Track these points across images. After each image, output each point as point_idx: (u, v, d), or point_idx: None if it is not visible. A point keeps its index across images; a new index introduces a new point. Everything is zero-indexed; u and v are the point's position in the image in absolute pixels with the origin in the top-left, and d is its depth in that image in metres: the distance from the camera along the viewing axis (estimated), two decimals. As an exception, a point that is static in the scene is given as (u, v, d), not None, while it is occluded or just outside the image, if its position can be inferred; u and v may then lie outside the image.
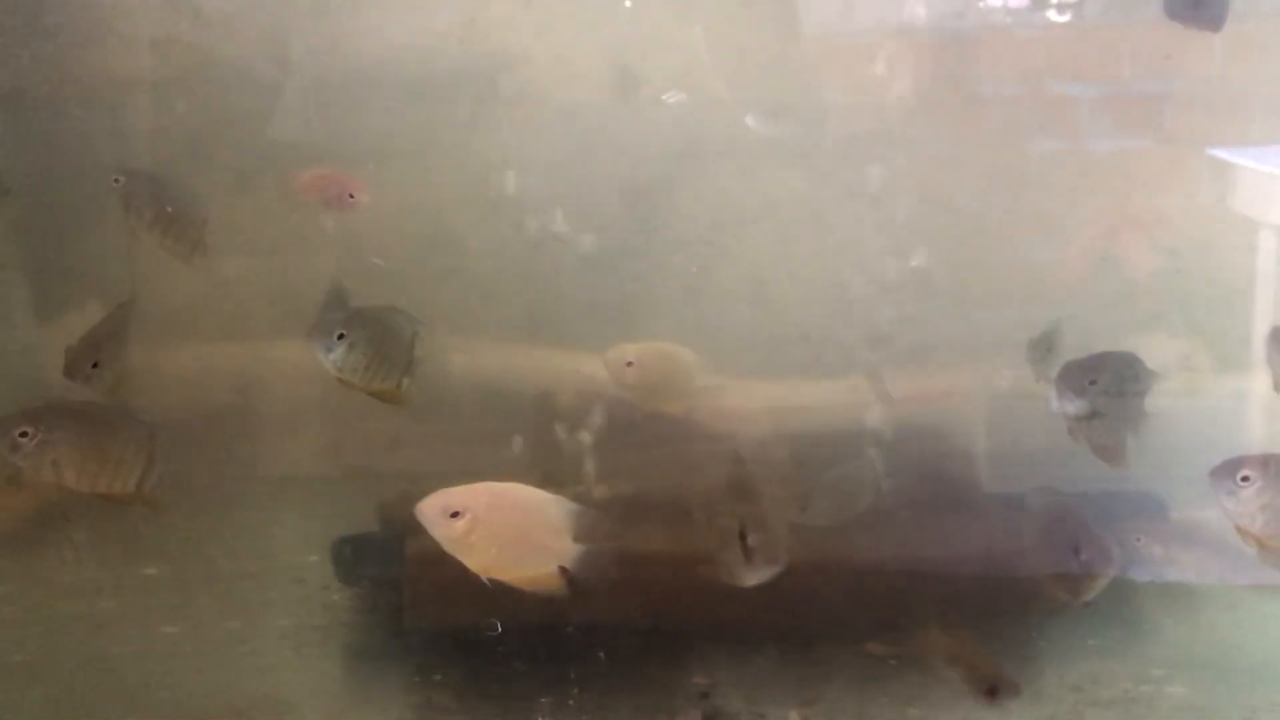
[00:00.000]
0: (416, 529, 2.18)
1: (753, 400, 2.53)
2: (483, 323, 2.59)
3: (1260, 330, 2.39)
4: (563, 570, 1.64)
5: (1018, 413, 2.45)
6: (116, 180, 2.07)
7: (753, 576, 1.84)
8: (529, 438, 2.46)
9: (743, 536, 1.84)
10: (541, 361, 2.54)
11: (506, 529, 1.63)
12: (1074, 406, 1.82)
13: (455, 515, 1.62)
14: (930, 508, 2.25)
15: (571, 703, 2.00)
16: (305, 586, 2.31)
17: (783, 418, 2.51)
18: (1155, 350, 2.54)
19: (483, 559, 1.64)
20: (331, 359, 1.81)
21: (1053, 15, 2.45)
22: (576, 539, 1.64)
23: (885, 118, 2.55)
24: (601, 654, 2.04)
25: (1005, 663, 2.07)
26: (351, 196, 2.31)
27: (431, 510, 1.63)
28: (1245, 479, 1.58)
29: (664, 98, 2.45)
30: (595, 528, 1.65)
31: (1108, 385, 1.88)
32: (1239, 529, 1.60)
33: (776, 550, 1.86)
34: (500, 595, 2.04)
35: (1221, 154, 2.39)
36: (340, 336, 1.81)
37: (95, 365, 1.95)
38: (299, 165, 2.45)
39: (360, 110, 2.47)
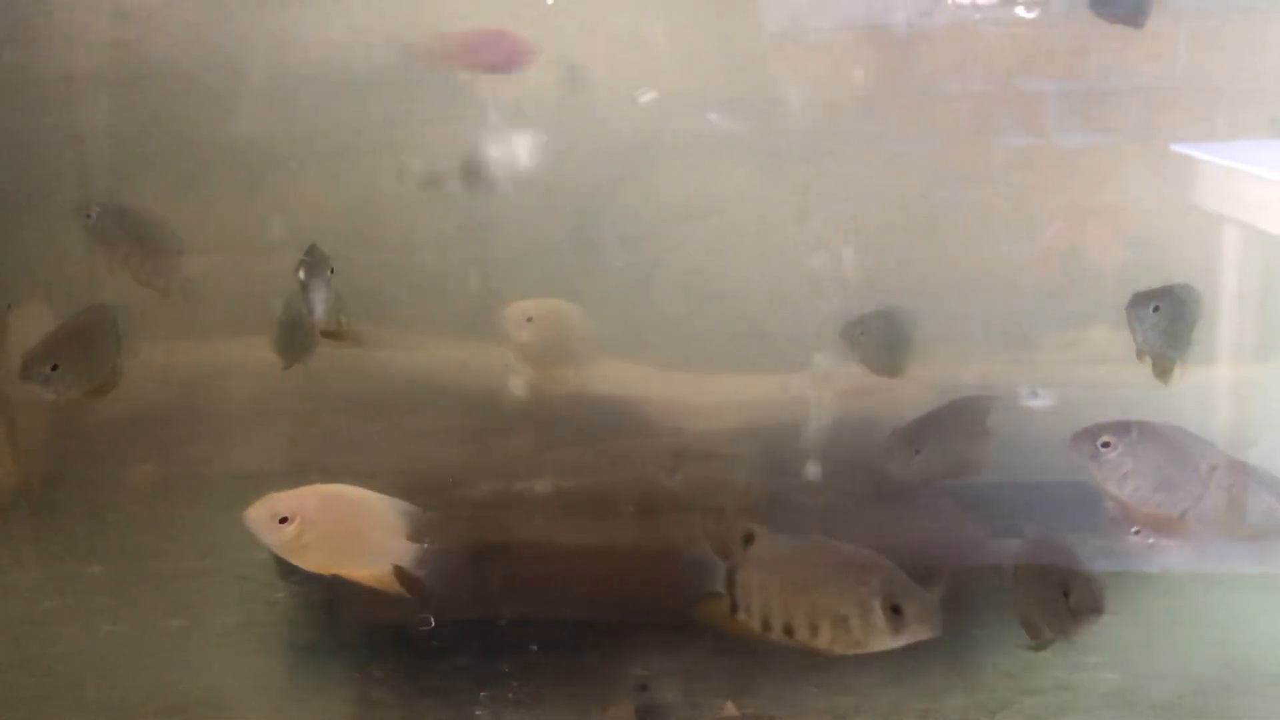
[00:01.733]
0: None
1: (702, 395, 2.55)
2: (428, 319, 2.60)
3: (1225, 322, 2.43)
4: (398, 570, 1.66)
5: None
6: (88, 215, 2.08)
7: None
8: (474, 434, 2.48)
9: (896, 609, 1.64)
10: (486, 358, 2.55)
11: (337, 530, 1.66)
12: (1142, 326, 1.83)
13: (284, 520, 1.65)
14: (869, 500, 2.28)
15: (510, 695, 2.02)
16: (250, 584, 2.32)
17: (731, 413, 2.53)
18: (1100, 342, 2.60)
19: (315, 560, 1.69)
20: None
21: (1020, 11, 2.46)
22: (411, 538, 1.67)
23: (841, 114, 2.58)
24: (536, 648, 2.06)
25: (940, 651, 2.10)
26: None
27: (259, 516, 1.66)
28: (1106, 444, 1.59)
29: (637, 96, 2.47)
30: (431, 527, 1.67)
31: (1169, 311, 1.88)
32: (1109, 495, 1.63)
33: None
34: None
35: (1185, 149, 2.42)
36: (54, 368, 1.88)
37: (55, 368, 1.94)
38: (244, 162, 2.47)
39: (301, 107, 2.47)
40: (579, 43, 2.50)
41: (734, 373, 2.59)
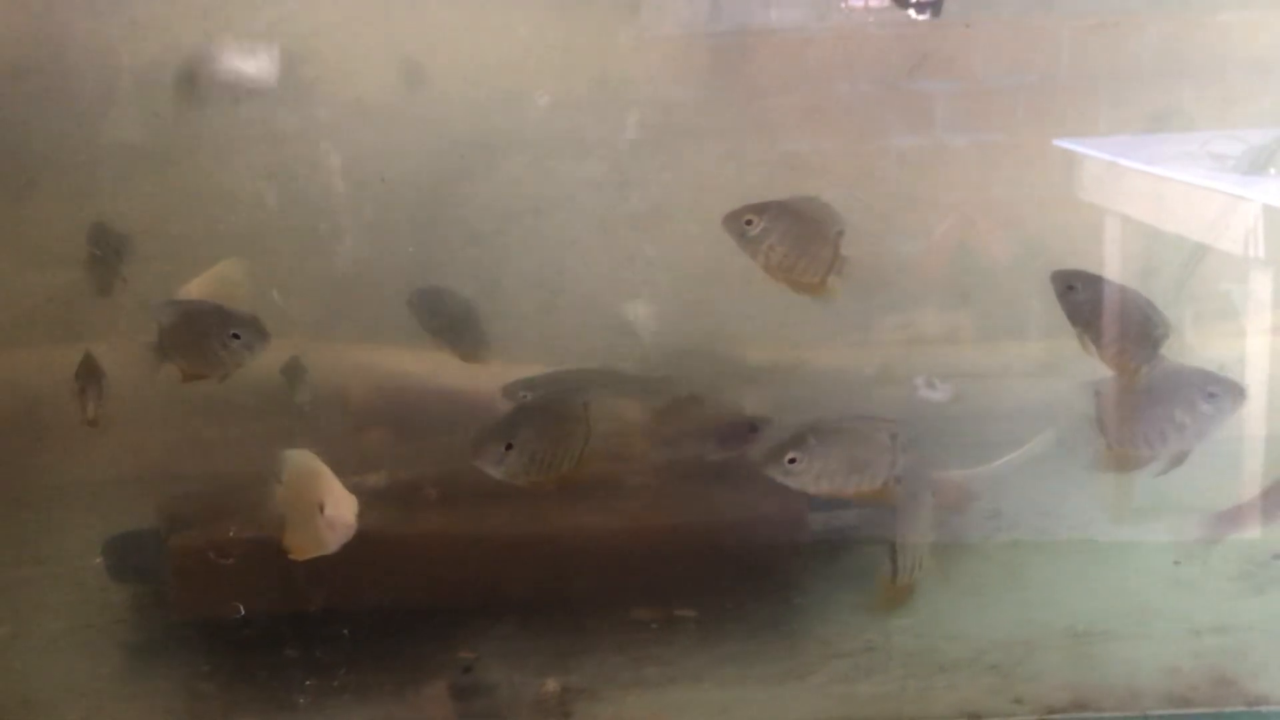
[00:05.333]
0: (183, 523, 2.22)
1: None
2: (274, 321, 2.61)
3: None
4: None
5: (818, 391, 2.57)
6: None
7: None
8: (323, 434, 2.50)
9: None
10: (333, 357, 2.57)
11: None
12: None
13: None
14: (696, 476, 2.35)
15: (336, 684, 2.05)
16: (84, 589, 2.31)
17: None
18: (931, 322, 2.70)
19: None
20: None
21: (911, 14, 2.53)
22: None
23: (708, 112, 2.64)
24: (363, 635, 2.09)
25: (760, 620, 2.18)
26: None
27: None
28: (792, 460, 1.80)
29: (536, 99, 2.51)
30: None
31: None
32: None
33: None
34: (263, 583, 2.09)
35: (1067, 144, 2.51)
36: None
37: None
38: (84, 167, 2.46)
39: (140, 113, 2.47)
40: (419, 40, 2.54)
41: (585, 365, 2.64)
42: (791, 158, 2.69)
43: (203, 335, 1.89)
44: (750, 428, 2.22)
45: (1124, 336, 1.85)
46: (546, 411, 1.88)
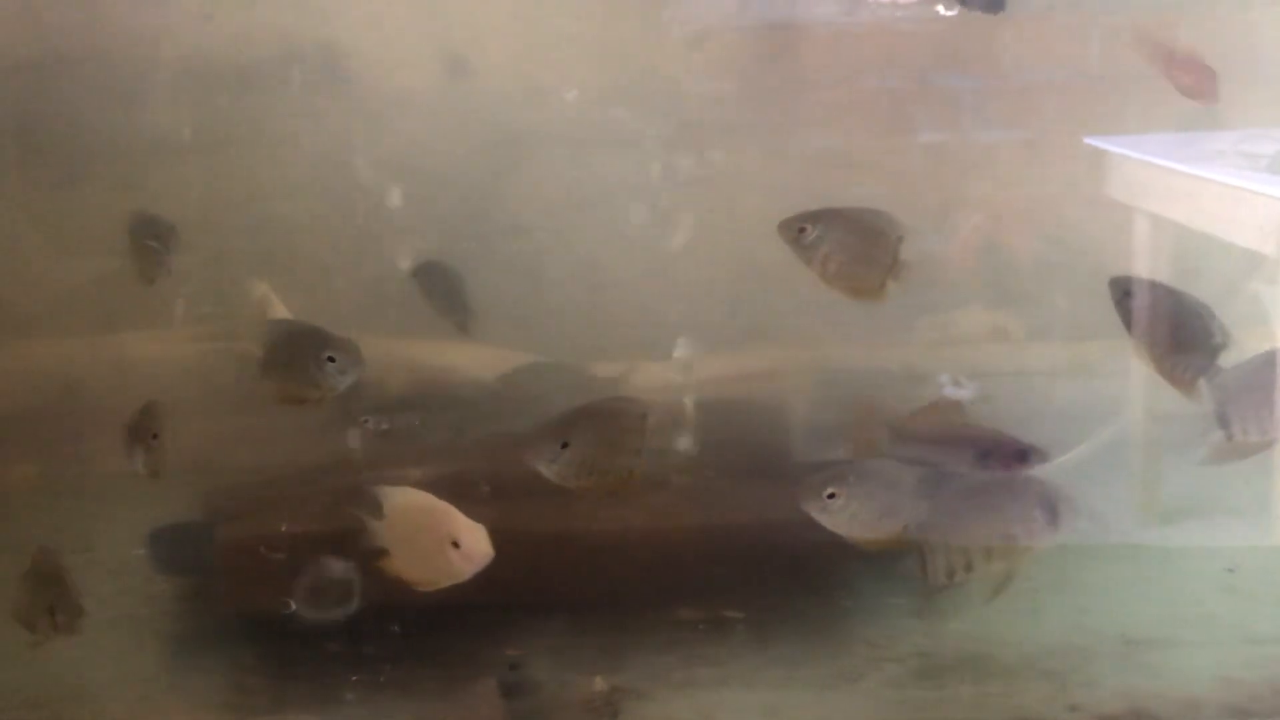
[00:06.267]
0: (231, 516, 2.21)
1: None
2: (315, 314, 2.60)
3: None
4: None
5: (845, 390, 2.55)
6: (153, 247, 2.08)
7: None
8: (364, 427, 2.49)
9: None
10: (376, 351, 2.56)
11: None
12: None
13: None
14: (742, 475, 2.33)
15: (382, 679, 2.04)
16: (127, 579, 2.31)
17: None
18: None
19: None
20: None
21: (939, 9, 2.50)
22: None
23: (743, 107, 2.62)
24: (410, 631, 2.07)
25: (809, 621, 2.16)
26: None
27: None
28: (831, 496, 1.74)
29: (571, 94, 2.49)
30: None
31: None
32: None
33: None
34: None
35: (1097, 143, 2.48)
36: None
37: None
38: (129, 157, 2.46)
39: (187, 100, 2.47)
40: (463, 34, 2.53)
41: (624, 360, 2.63)
42: (833, 154, 2.67)
43: (299, 356, 1.84)
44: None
45: (1180, 345, 1.80)
46: (606, 415, 1.84)
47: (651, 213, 2.61)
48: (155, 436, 1.91)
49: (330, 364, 1.81)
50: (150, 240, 2.07)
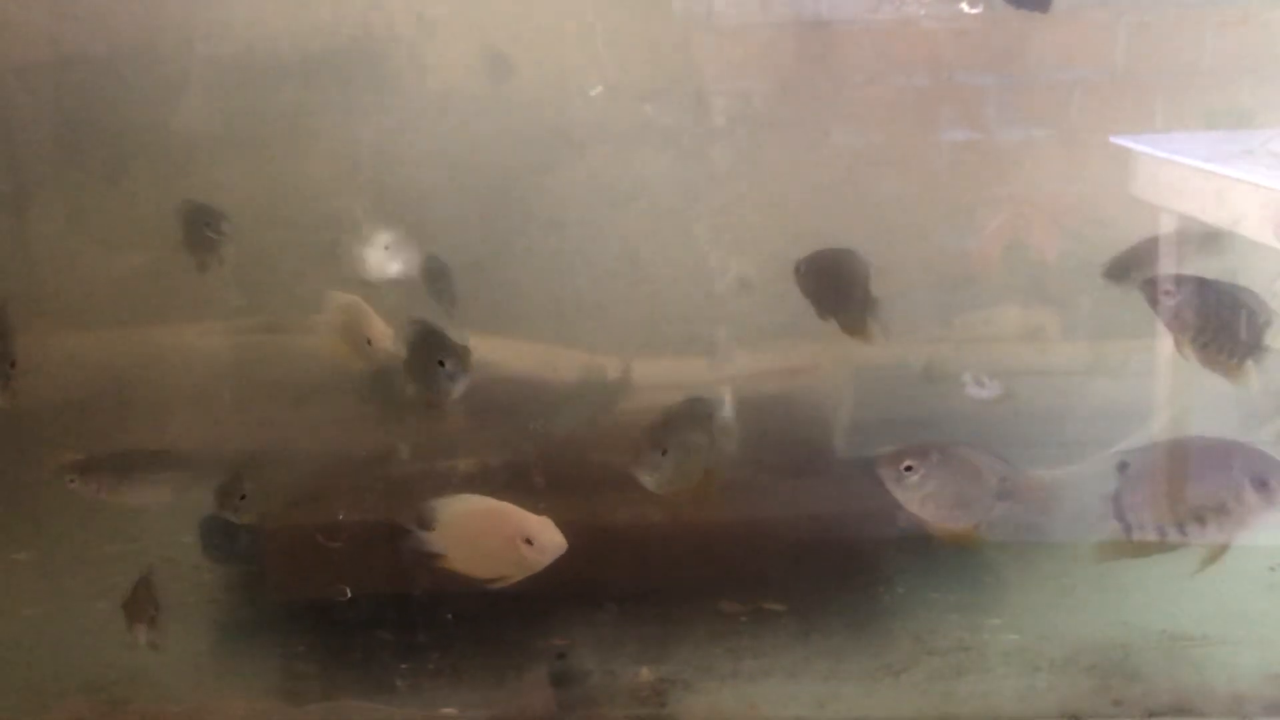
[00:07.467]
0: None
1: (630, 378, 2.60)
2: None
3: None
4: None
5: (883, 386, 2.55)
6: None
7: None
8: (400, 414, 2.51)
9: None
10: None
11: None
12: None
13: None
14: (783, 471, 2.34)
15: (431, 666, 2.06)
16: (177, 566, 2.34)
17: (657, 395, 2.58)
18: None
19: None
20: None
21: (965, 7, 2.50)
22: None
23: (774, 105, 2.63)
24: (459, 619, 2.10)
25: (851, 615, 2.17)
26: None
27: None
28: (909, 468, 1.69)
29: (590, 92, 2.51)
30: None
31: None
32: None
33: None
34: (357, 565, 2.10)
35: (1123, 142, 2.48)
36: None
37: None
38: (170, 154, 2.49)
39: (232, 96, 2.49)
40: (503, 32, 2.55)
41: (660, 356, 2.64)
42: (872, 150, 2.68)
43: (419, 358, 1.87)
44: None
45: (1222, 331, 1.79)
46: (689, 418, 1.84)
47: (690, 207, 2.62)
48: None
49: (440, 368, 1.84)
50: (206, 228, 2.10)
